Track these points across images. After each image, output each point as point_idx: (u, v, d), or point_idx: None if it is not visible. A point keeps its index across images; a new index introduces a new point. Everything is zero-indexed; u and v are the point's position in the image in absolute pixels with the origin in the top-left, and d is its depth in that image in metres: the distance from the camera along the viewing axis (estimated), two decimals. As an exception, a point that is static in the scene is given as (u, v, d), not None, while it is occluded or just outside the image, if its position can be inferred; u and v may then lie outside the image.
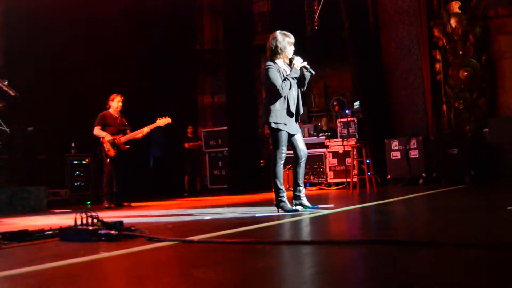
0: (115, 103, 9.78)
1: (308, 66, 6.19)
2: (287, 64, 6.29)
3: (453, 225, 4.35)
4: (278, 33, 6.25)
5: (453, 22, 12.84)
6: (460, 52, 12.77)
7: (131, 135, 9.73)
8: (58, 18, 12.41)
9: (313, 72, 6.20)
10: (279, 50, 6.18)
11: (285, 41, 6.18)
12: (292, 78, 6.11)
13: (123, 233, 4.19)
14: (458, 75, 12.76)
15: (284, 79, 6.03)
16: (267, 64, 6.17)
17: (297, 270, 2.72)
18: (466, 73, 12.66)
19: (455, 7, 12.88)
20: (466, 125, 12.60)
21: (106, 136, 9.55)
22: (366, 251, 3.20)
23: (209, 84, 18.98)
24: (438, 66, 13.12)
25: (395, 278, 2.40)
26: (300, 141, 6.29)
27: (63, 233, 4.44)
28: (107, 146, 9.55)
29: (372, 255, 3.08)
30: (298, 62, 6.17)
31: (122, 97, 9.86)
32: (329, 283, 2.44)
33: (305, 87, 6.39)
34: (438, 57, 13.09)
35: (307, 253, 3.25)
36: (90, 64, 13.00)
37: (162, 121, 9.76)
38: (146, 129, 9.73)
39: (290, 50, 6.23)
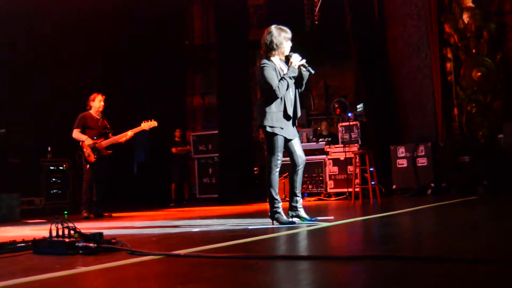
0: (97, 103, 9.77)
1: (306, 65, 6.21)
2: (284, 62, 6.31)
3: (463, 239, 4.37)
4: (273, 27, 6.27)
5: (465, 17, 12.89)
6: (473, 50, 12.82)
7: (113, 139, 9.71)
8: (34, 12, 12.41)
9: (313, 71, 6.21)
10: (275, 46, 6.19)
11: (281, 36, 6.20)
12: (290, 78, 6.12)
13: (102, 246, 4.19)
14: (470, 75, 12.81)
15: (281, 79, 6.04)
16: (262, 62, 6.18)
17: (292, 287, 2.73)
18: (479, 73, 12.71)
19: (468, 0, 12.93)
20: (479, 130, 12.63)
21: (86, 140, 9.53)
22: (367, 267, 3.21)
23: (199, 84, 19.02)
24: (449, 65, 13.15)
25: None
26: (297, 147, 6.29)
27: (37, 246, 4.44)
28: (87, 150, 9.54)
29: (374, 271, 3.09)
30: (296, 60, 6.17)
31: (104, 96, 9.85)
32: (326, 302, 2.45)
33: (303, 88, 6.40)
34: (449, 55, 13.12)
35: (303, 269, 3.26)
36: (68, 61, 13.00)
37: (147, 125, 9.74)
38: (130, 133, 9.70)
39: (286, 46, 6.24)
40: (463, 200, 9.55)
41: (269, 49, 6.23)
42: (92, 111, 9.78)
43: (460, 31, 12.97)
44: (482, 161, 11.50)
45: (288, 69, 6.15)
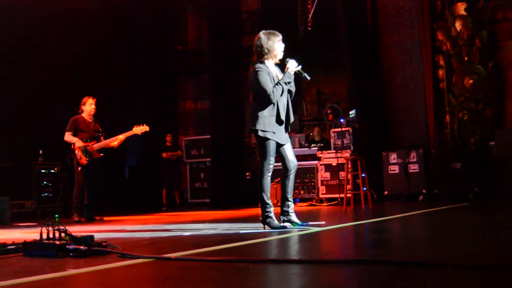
0: (88, 106, 9.80)
1: (302, 71, 6.23)
2: (277, 67, 6.32)
3: (454, 245, 4.38)
4: (261, 33, 6.26)
5: (458, 25, 12.96)
6: (465, 58, 12.88)
7: (105, 143, 9.72)
8: (25, 15, 12.36)
9: (309, 78, 6.26)
10: (265, 51, 6.19)
11: (271, 40, 6.19)
12: (285, 83, 6.12)
13: (93, 249, 4.19)
14: (462, 83, 12.87)
15: (276, 84, 6.05)
16: (256, 66, 6.17)
17: (283, 291, 2.73)
18: (471, 81, 12.77)
19: (461, 8, 12.99)
20: (470, 138, 12.69)
21: (77, 142, 9.53)
22: (358, 272, 3.21)
23: (192, 89, 18.97)
24: (441, 72, 13.21)
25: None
26: (289, 152, 6.30)
27: (27, 248, 4.43)
28: (78, 153, 9.53)
29: (364, 275, 3.09)
30: (292, 66, 6.19)
31: (95, 100, 9.88)
32: (317, 305, 2.45)
33: (292, 96, 6.40)
34: (442, 63, 13.18)
35: (294, 273, 3.26)
36: (60, 64, 12.95)
37: (139, 129, 9.76)
38: (121, 137, 9.74)
39: (278, 48, 6.24)
40: (454, 206, 9.57)
41: (261, 54, 6.23)
42: (84, 115, 9.80)
43: (453, 39, 13.02)
44: (473, 168, 11.52)
45: (284, 75, 6.16)
